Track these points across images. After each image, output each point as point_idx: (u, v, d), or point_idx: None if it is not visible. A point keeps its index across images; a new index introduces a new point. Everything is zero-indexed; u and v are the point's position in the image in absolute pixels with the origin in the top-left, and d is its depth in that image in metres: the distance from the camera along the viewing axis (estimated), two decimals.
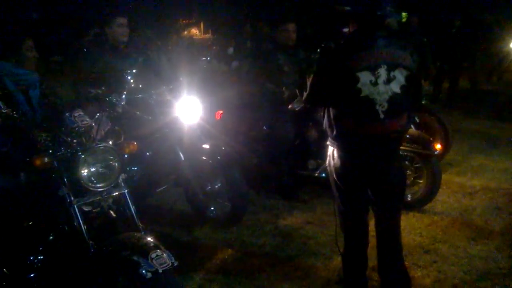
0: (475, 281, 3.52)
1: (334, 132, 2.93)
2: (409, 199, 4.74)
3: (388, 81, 2.77)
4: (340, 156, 2.97)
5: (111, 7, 5.38)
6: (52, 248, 2.85)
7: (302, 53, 5.11)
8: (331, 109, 2.93)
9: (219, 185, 4.18)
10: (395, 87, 2.79)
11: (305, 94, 3.03)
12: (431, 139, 4.73)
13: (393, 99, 2.79)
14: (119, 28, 4.19)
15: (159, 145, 4.08)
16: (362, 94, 2.75)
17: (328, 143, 3.09)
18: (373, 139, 2.88)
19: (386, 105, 2.78)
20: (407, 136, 4.58)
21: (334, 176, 3.07)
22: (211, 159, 4.09)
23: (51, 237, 2.86)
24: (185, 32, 6.76)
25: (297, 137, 5.04)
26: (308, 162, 4.95)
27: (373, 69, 2.74)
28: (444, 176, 4.85)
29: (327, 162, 3.17)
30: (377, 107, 2.78)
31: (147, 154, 4.08)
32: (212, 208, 4.17)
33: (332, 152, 3.05)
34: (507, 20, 10.29)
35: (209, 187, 4.19)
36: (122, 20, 4.22)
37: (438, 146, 4.58)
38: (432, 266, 3.71)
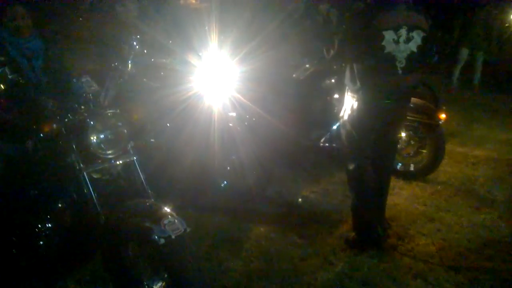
0: (479, 249, 3.55)
1: (357, 85, 3.27)
2: (412, 168, 4.76)
3: (408, 40, 3.13)
4: (360, 106, 3.31)
5: None
6: (61, 216, 2.83)
7: (309, 21, 5.06)
8: (355, 65, 3.26)
9: (244, 155, 4.11)
10: (413, 47, 3.15)
11: (332, 52, 3.37)
12: (435, 108, 4.71)
13: (410, 57, 3.15)
14: (131, 4, 4.22)
15: (182, 115, 3.98)
16: (386, 51, 3.11)
17: (348, 95, 3.42)
18: (390, 91, 3.26)
19: (404, 62, 3.16)
20: (411, 105, 4.58)
21: (349, 126, 3.40)
22: (239, 126, 4.05)
23: (59, 205, 2.83)
24: (181, 1, 6.58)
25: (301, 107, 5.00)
26: (312, 132, 4.93)
27: (395, 29, 3.09)
28: (447, 147, 4.86)
29: (341, 114, 3.53)
30: (397, 63, 3.15)
31: (167, 124, 4.02)
32: (225, 182, 4.15)
33: (351, 105, 3.36)
34: None
35: (234, 157, 4.14)
36: None
37: (442, 116, 4.55)
38: (437, 235, 3.74)
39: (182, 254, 2.29)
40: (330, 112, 4.85)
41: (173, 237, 2.27)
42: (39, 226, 2.85)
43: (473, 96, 8.25)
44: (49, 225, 2.85)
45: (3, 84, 2.63)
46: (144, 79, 3.80)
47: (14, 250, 2.86)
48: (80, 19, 5.31)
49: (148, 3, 5.31)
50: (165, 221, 2.34)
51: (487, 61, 8.79)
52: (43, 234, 2.84)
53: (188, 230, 2.37)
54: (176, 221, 2.39)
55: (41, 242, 2.83)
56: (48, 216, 2.86)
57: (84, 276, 3.05)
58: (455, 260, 3.43)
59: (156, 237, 2.29)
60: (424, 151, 4.71)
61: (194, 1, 7.27)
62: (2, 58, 3.00)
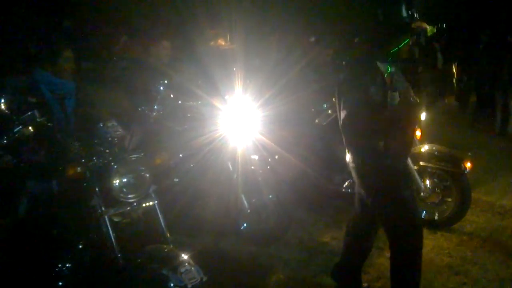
0: None
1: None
2: (437, 217, 4.64)
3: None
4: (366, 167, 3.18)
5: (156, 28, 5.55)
6: (81, 257, 2.85)
7: (332, 68, 5.10)
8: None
9: (266, 197, 4.11)
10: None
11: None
12: (461, 157, 4.64)
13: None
14: (164, 50, 4.37)
15: (206, 157, 4.03)
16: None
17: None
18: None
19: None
20: (436, 153, 4.53)
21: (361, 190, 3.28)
22: (261, 169, 4.06)
23: (80, 246, 2.86)
24: (212, 43, 6.74)
25: (324, 152, 4.99)
26: (335, 177, 4.89)
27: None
28: (472, 195, 4.75)
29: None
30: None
31: (191, 166, 4.04)
32: (245, 224, 4.12)
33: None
34: None
35: (255, 199, 4.12)
36: (167, 43, 4.43)
37: (468, 164, 4.47)
38: None
39: None
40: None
41: (189, 286, 2.27)
42: (59, 265, 2.88)
43: (507, 143, 8.06)
44: (69, 265, 2.87)
45: (32, 127, 2.71)
46: (169, 123, 3.86)
47: None
48: (114, 58, 5.48)
49: (180, 49, 5.48)
50: (182, 269, 2.35)
51: None
52: (63, 273, 2.87)
53: (204, 279, 2.37)
54: (193, 269, 2.39)
55: (60, 283, 2.85)
56: (68, 256, 2.89)
57: None
58: None
59: (172, 285, 2.29)
60: (449, 199, 4.61)
61: (223, 43, 7.44)
62: (34, 100, 3.11)
